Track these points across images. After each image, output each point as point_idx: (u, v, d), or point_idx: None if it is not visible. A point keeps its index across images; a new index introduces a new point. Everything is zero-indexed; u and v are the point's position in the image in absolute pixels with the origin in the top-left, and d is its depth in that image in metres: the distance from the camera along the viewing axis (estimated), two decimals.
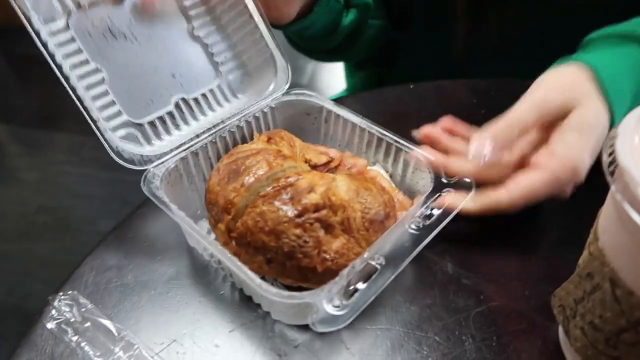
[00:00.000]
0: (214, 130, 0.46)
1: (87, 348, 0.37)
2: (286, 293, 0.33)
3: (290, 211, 0.37)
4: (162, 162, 0.42)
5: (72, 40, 0.42)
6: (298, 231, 0.36)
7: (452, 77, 0.68)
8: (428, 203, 0.39)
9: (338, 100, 0.68)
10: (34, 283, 1.50)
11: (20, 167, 1.98)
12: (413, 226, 0.38)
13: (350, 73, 0.95)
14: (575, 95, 0.43)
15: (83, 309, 0.39)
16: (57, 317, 0.39)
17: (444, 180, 0.41)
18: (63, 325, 0.39)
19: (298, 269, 0.37)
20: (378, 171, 0.46)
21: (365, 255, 0.35)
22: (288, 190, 0.38)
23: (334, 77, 2.25)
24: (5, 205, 1.78)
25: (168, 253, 0.45)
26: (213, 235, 0.43)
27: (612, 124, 0.44)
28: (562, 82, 0.45)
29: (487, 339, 0.38)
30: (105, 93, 0.43)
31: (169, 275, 0.43)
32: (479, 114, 0.59)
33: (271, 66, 0.51)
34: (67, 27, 0.42)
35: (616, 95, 0.44)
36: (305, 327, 0.39)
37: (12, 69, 2.48)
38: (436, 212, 0.39)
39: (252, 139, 0.48)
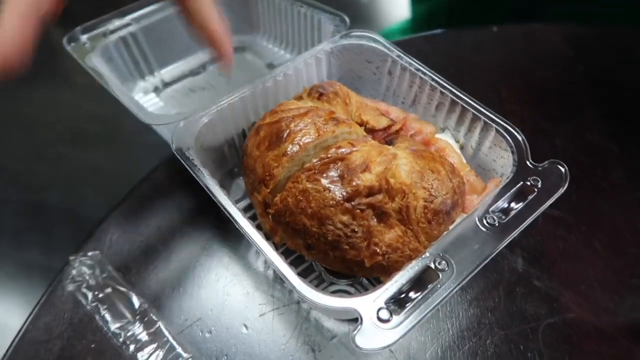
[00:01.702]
0: (257, 78, 0.39)
1: (107, 317, 0.34)
2: (326, 297, 0.28)
3: (338, 193, 0.31)
4: (196, 116, 0.36)
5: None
6: (346, 218, 0.31)
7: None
8: (507, 195, 0.32)
9: (406, 40, 0.58)
10: (86, 189, 1.55)
11: (74, 71, 1.97)
12: (486, 222, 0.31)
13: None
14: None
15: (104, 274, 0.36)
16: (78, 279, 0.36)
17: (530, 165, 0.33)
18: (83, 289, 0.36)
19: (342, 261, 0.31)
20: (447, 141, 0.38)
21: (425, 255, 0.29)
22: (338, 164, 0.32)
23: None
24: (59, 109, 1.81)
25: (200, 215, 0.40)
26: (247, 202, 0.38)
27: None
28: None
29: (557, 358, 0.33)
30: None
31: (200, 242, 0.39)
32: (575, 71, 0.49)
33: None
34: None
35: None
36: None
37: None
38: (516, 205, 0.32)
39: (302, 90, 0.41)
